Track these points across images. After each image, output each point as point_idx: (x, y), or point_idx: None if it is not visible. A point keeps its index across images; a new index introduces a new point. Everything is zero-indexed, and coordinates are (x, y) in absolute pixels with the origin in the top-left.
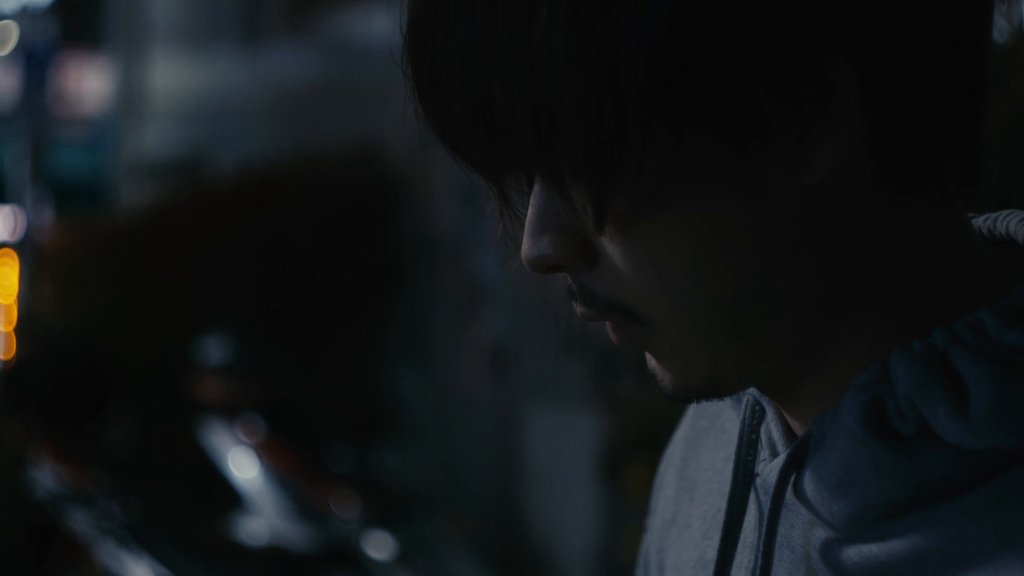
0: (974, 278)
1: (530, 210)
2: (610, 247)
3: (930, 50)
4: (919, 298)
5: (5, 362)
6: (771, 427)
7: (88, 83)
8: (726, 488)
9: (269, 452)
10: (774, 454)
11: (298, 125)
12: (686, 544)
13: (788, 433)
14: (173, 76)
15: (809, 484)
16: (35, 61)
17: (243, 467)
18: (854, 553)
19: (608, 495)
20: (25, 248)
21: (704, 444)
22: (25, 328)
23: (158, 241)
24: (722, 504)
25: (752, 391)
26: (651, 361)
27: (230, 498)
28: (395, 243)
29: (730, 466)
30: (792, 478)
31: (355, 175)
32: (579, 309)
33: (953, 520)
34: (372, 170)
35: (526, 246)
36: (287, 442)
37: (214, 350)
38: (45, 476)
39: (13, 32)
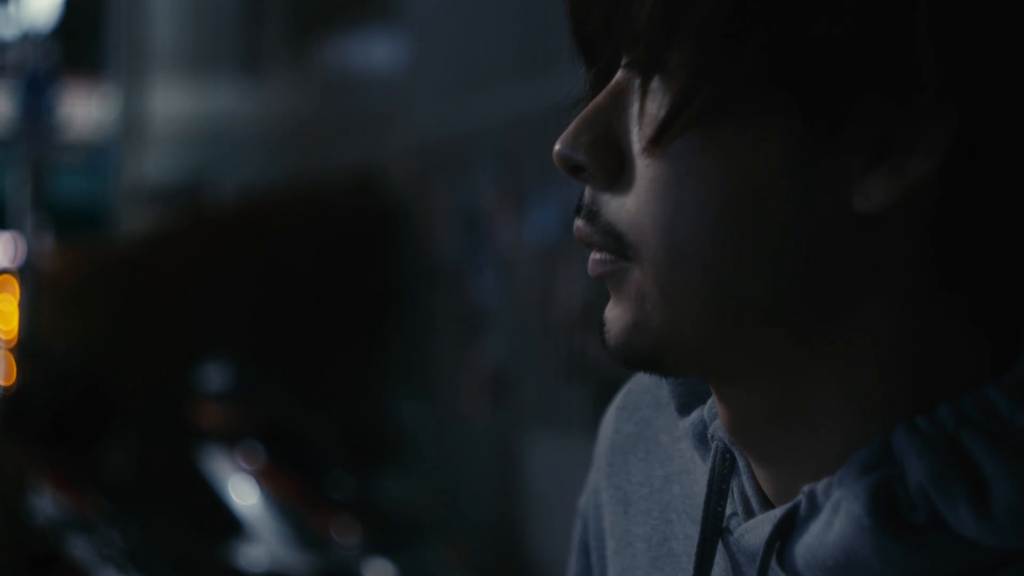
0: (974, 344)
1: (586, 108)
2: (641, 167)
3: None
4: (917, 363)
5: (5, 388)
6: (744, 482)
7: (89, 109)
8: (671, 514)
9: (269, 479)
10: (748, 512)
11: (298, 152)
12: (630, 564)
13: (760, 490)
14: (174, 103)
15: (800, 558)
16: (36, 87)
17: (243, 494)
18: None
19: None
20: (25, 274)
21: (633, 453)
22: (25, 354)
23: (158, 267)
24: (669, 532)
25: (723, 437)
26: (609, 308)
27: (230, 525)
28: (395, 269)
29: (674, 488)
30: (776, 544)
31: (355, 202)
32: (577, 223)
33: None
34: (372, 197)
35: (564, 138)
36: (287, 469)
37: (214, 376)
38: (45, 502)
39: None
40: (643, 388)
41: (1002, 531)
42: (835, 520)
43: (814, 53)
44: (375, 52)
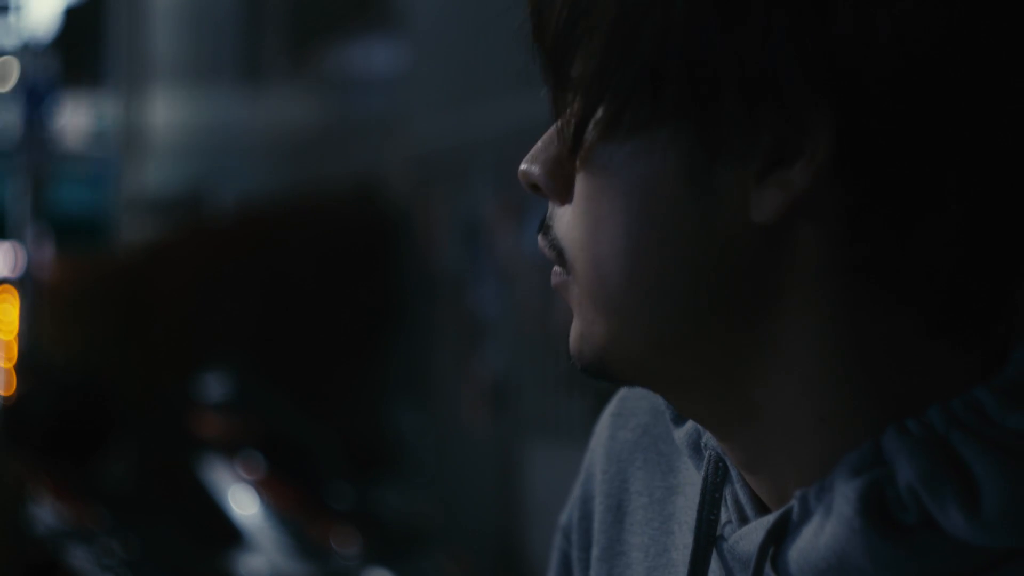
0: (950, 351)
1: (547, 132)
2: (577, 184)
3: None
4: (878, 369)
5: (5, 398)
6: (738, 489)
7: (89, 119)
8: (672, 525)
9: (269, 488)
10: (742, 519)
11: (298, 162)
12: (622, 572)
13: (755, 497)
14: (174, 113)
15: (794, 563)
16: (36, 97)
17: (243, 503)
18: None
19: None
20: (26, 284)
21: (630, 461)
22: (25, 364)
23: (159, 277)
24: (668, 543)
25: (715, 446)
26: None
27: (230, 535)
28: (395, 280)
29: (678, 500)
30: (770, 551)
31: (355, 212)
32: (539, 238)
33: None
34: (372, 207)
35: (526, 159)
36: (287, 478)
37: (214, 386)
38: (45, 512)
39: (14, 68)
40: (639, 395)
41: (992, 531)
42: (827, 523)
43: (688, 65)
44: (375, 62)
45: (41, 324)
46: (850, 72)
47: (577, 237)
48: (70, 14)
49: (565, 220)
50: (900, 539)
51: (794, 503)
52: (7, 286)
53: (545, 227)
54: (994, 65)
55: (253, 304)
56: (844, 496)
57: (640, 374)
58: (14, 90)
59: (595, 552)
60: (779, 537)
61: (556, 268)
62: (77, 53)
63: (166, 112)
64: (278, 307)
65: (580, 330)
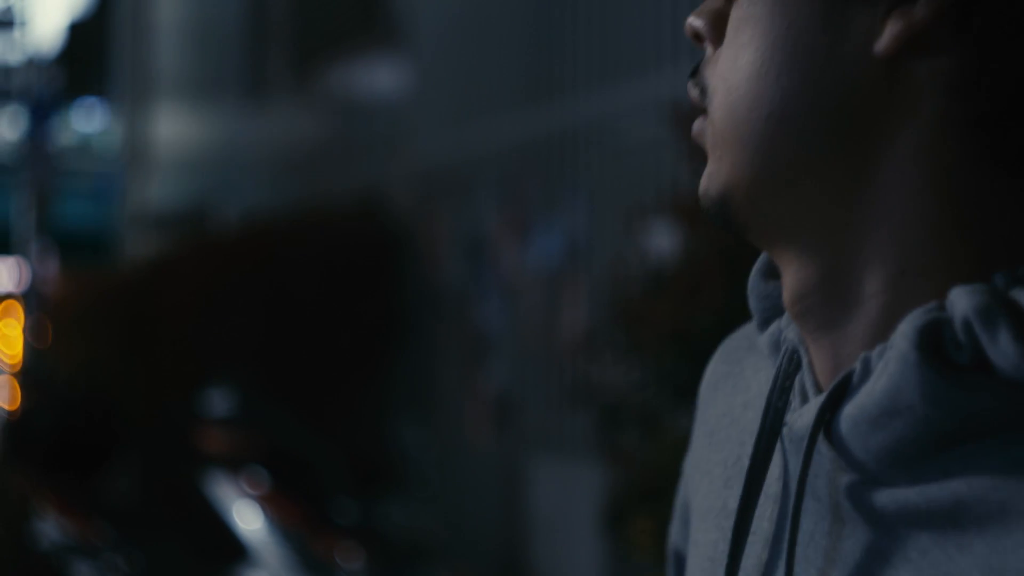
0: None
1: None
2: (728, 25)
3: None
4: (967, 232)
5: (10, 413)
6: (805, 378)
7: (93, 135)
8: (745, 435)
9: (273, 504)
10: (805, 402)
11: (302, 178)
12: (708, 492)
13: (819, 383)
14: (178, 128)
15: (846, 422)
16: (41, 112)
17: (247, 519)
18: (887, 498)
19: (613, 548)
20: (30, 299)
21: (721, 388)
22: (30, 379)
23: (162, 292)
24: (742, 452)
25: (792, 338)
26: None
27: (234, 550)
28: (399, 295)
29: (749, 414)
30: (824, 423)
31: (359, 228)
32: (688, 84)
33: (998, 467)
34: (376, 223)
35: (693, 13)
36: (291, 494)
37: (218, 402)
38: (49, 528)
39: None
40: (741, 335)
41: None
42: (886, 368)
43: None
44: (379, 78)
45: (45, 339)
46: None
47: (719, 70)
48: (75, 29)
49: (714, 60)
50: (953, 376)
51: (856, 366)
52: (12, 301)
53: (695, 72)
54: None
55: (257, 319)
56: (903, 334)
57: (753, 216)
58: (19, 105)
59: (694, 477)
60: (836, 404)
61: (698, 118)
62: (82, 68)
63: (170, 127)
64: (282, 322)
65: (710, 170)
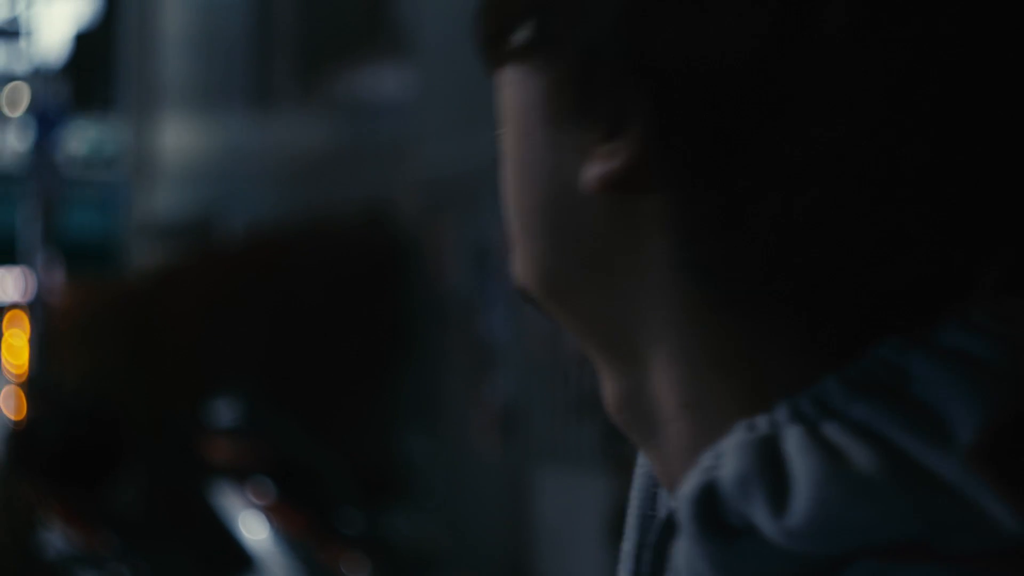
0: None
1: None
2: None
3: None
4: (745, 380)
5: (15, 423)
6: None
7: (98, 144)
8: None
9: (279, 514)
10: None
11: (308, 187)
12: None
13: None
14: (184, 138)
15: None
16: (47, 122)
17: (253, 529)
18: None
19: (618, 558)
20: (36, 309)
21: None
22: (35, 389)
23: (168, 302)
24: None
25: None
26: None
27: (240, 560)
28: (405, 304)
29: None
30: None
31: (365, 237)
32: None
33: None
34: (382, 232)
35: None
36: (297, 504)
37: (224, 412)
38: (55, 537)
39: (24, 94)
40: None
41: (795, 536)
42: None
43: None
44: (385, 87)
45: (51, 349)
46: (667, 67)
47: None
48: (80, 40)
49: None
50: (731, 543)
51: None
52: (17, 311)
53: None
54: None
55: (263, 329)
56: (682, 499)
57: (557, 318)
58: (25, 115)
59: None
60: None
61: None
62: (88, 78)
63: (176, 137)
64: (288, 332)
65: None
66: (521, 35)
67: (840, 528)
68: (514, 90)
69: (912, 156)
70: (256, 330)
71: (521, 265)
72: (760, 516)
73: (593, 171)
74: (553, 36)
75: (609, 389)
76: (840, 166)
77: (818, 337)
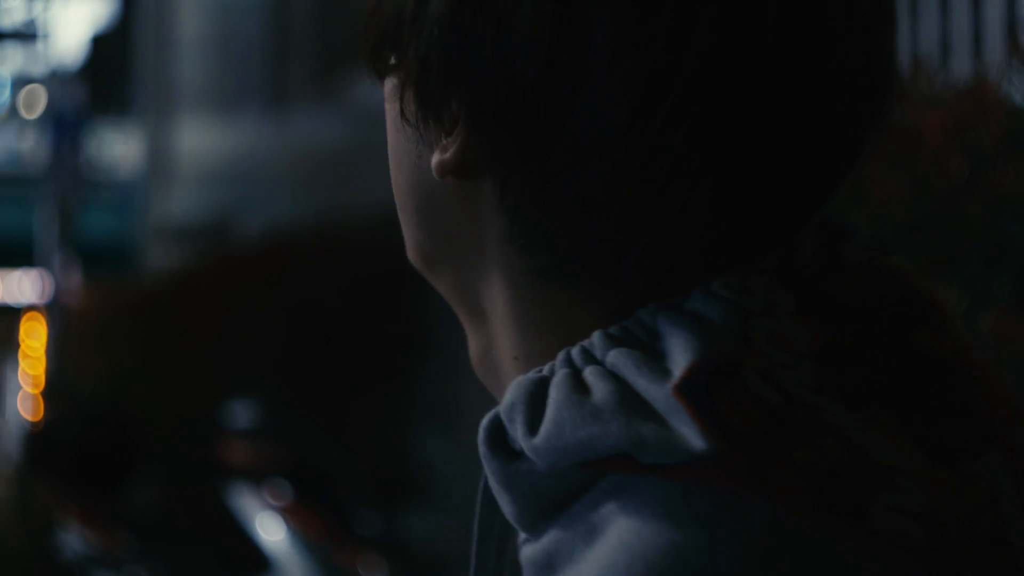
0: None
1: None
2: None
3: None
4: (557, 338)
5: (32, 425)
6: None
7: (116, 147)
8: None
9: (296, 516)
10: None
11: (325, 189)
12: None
13: None
14: (201, 140)
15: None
16: (64, 125)
17: (270, 531)
18: (526, 550)
19: None
20: (53, 311)
21: None
22: (52, 391)
23: (185, 304)
24: None
25: None
26: None
27: (257, 562)
28: (422, 306)
29: None
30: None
31: (382, 239)
32: None
33: (565, 525)
34: (399, 234)
35: None
36: (314, 506)
37: (241, 414)
38: (73, 539)
39: (41, 96)
40: None
41: (539, 452)
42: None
43: (394, 23)
44: None
45: (68, 351)
46: (479, 76)
47: None
48: (97, 42)
49: None
50: (511, 463)
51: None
52: (35, 313)
53: None
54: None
55: (279, 331)
56: (480, 427)
57: (416, 262)
58: (42, 118)
59: None
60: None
61: None
62: (105, 81)
63: (193, 139)
64: (305, 334)
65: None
66: (386, 54)
67: (568, 445)
68: (387, 97)
69: (673, 145)
70: (273, 332)
71: (406, 242)
72: (520, 437)
73: (435, 160)
74: (402, 54)
75: (472, 347)
76: (620, 152)
77: (607, 301)
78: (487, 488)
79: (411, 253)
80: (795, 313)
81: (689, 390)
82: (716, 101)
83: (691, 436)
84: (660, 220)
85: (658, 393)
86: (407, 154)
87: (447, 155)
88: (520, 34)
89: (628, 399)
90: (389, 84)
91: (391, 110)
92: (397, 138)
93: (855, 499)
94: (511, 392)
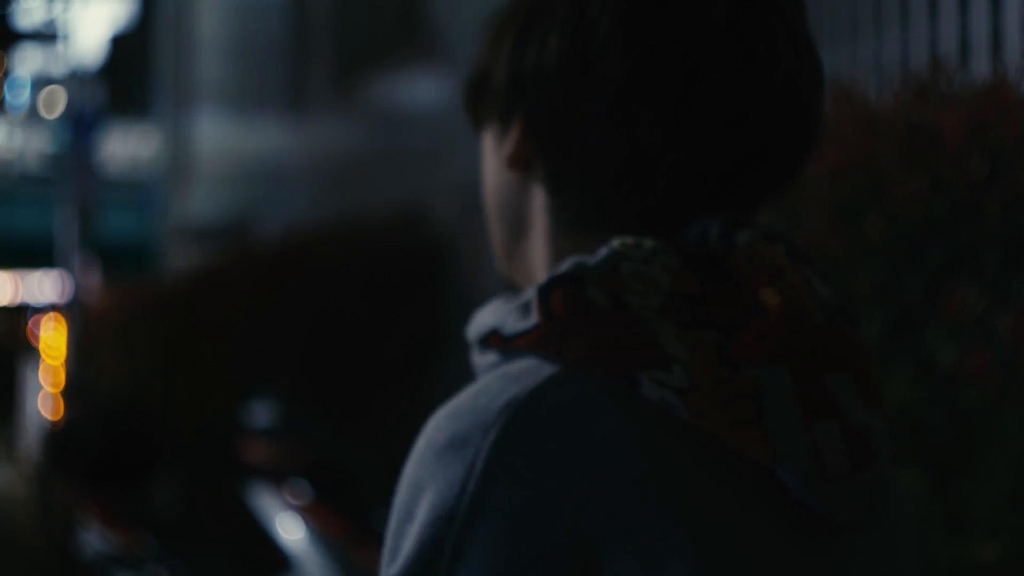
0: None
1: None
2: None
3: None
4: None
5: (52, 424)
6: None
7: (135, 147)
8: None
9: (316, 515)
10: None
11: (344, 190)
12: None
13: None
14: (220, 141)
15: None
16: (83, 125)
17: (290, 530)
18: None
19: None
20: (73, 311)
21: None
22: (72, 390)
23: (204, 304)
24: None
25: None
26: None
27: (277, 561)
28: (440, 306)
29: None
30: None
31: (401, 239)
32: None
33: (485, 371)
34: (417, 234)
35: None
36: (334, 505)
37: (261, 413)
38: (93, 539)
39: (61, 97)
40: None
41: (470, 333)
42: None
43: (484, 73)
44: (420, 89)
45: (88, 351)
46: (529, 93)
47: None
48: (117, 43)
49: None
50: (482, 350)
51: None
52: (55, 313)
53: None
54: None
55: (299, 331)
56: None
57: (502, 264)
58: (62, 118)
59: None
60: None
61: None
62: (124, 81)
63: (212, 140)
64: (324, 334)
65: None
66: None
67: (475, 327)
68: (488, 135)
69: (650, 151)
70: (292, 332)
71: (494, 252)
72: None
73: (502, 153)
74: (494, 99)
75: (505, 267)
76: (618, 154)
77: (597, 246)
78: None
79: (496, 254)
80: (675, 267)
81: (539, 290)
82: (673, 122)
83: (530, 317)
84: (633, 196)
85: (532, 295)
86: (494, 164)
87: (509, 148)
88: (546, 48)
89: (521, 299)
90: (489, 125)
91: (490, 144)
92: (491, 160)
93: (628, 370)
94: (493, 301)
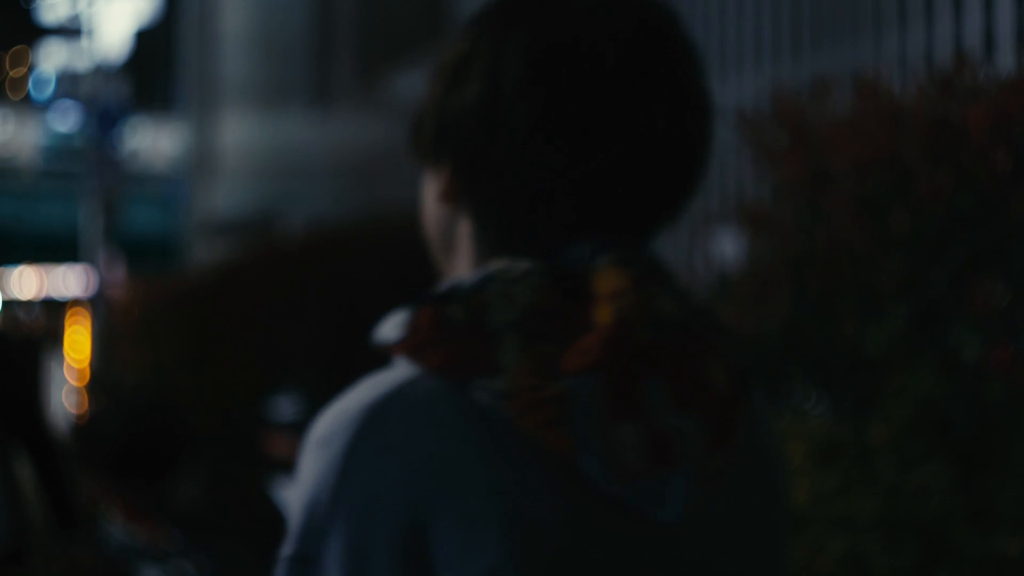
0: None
1: None
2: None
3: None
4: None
5: (77, 418)
6: None
7: (160, 142)
8: None
9: None
10: None
11: (368, 184)
12: None
13: None
14: (244, 136)
15: None
16: (108, 120)
17: None
18: None
19: None
20: (97, 305)
21: None
22: (97, 384)
23: (229, 298)
24: None
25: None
26: None
27: None
28: None
29: None
30: None
31: (423, 235)
32: None
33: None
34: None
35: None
36: None
37: (285, 407)
38: (118, 532)
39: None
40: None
41: (378, 337)
42: None
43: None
44: None
45: (112, 345)
46: (454, 136)
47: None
48: (141, 37)
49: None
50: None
51: None
52: (80, 307)
53: None
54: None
55: (323, 325)
56: None
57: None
58: (87, 114)
59: None
60: None
61: None
62: (149, 76)
63: (236, 135)
64: (348, 327)
65: None
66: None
67: (382, 335)
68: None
69: (549, 174)
70: (316, 326)
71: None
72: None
73: (436, 188)
74: (437, 146)
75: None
76: (524, 192)
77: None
78: None
79: (431, 251)
80: (542, 287)
81: (412, 306)
82: (573, 161)
83: (403, 329)
84: (540, 225)
85: (409, 311)
86: (432, 202)
87: (441, 185)
88: (466, 95)
89: (404, 314)
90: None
91: (428, 178)
92: (429, 192)
93: (464, 376)
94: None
